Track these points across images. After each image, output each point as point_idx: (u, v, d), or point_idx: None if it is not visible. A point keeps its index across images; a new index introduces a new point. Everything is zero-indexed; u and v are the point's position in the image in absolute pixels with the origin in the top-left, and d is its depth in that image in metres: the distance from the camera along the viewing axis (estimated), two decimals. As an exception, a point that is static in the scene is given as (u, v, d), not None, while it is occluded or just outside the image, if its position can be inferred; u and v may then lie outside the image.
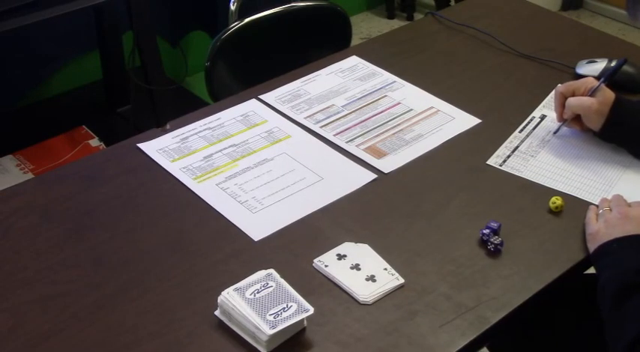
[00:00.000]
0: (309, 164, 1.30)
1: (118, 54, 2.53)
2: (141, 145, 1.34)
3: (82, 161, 1.36)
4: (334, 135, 1.38)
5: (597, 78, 1.38)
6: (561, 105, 1.36)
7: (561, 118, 1.37)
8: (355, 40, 2.06)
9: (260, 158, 1.32)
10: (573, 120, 1.36)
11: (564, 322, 1.33)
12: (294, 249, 1.13)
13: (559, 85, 1.39)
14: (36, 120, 2.55)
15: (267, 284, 1.01)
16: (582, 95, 1.33)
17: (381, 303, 1.05)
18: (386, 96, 1.49)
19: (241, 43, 1.77)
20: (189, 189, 1.25)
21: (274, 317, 0.96)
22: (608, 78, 1.37)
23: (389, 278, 1.07)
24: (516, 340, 1.39)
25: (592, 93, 1.32)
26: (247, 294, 0.99)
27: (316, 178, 1.27)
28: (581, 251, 1.14)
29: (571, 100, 1.33)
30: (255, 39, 1.81)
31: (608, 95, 1.31)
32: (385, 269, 1.09)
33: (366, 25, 3.62)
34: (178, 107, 1.67)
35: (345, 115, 1.43)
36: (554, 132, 1.39)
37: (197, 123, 1.40)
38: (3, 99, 2.55)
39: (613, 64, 1.47)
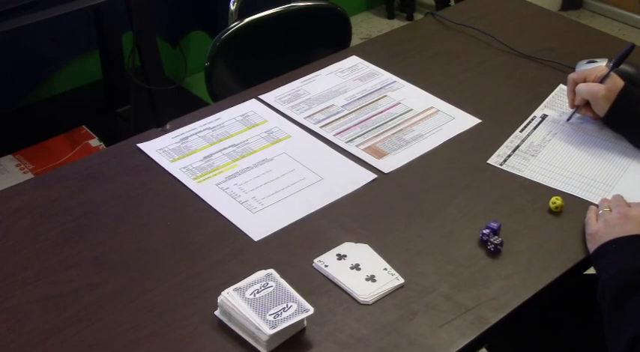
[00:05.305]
0: (309, 164, 1.30)
1: (117, 54, 2.53)
2: (141, 145, 1.34)
3: (82, 161, 1.35)
4: (334, 135, 1.38)
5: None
6: (572, 91, 1.39)
7: (573, 104, 1.40)
8: (355, 40, 2.06)
9: (260, 158, 1.32)
10: (585, 107, 1.39)
11: (564, 322, 1.33)
12: (294, 249, 1.13)
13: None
14: (36, 120, 2.55)
15: (267, 284, 1.01)
16: (593, 82, 1.35)
17: (381, 303, 1.05)
18: (386, 96, 1.49)
19: (241, 43, 1.77)
20: (190, 189, 1.24)
21: (274, 317, 0.96)
22: (617, 64, 1.39)
23: (389, 278, 1.07)
24: (516, 340, 1.39)
25: (602, 80, 1.34)
26: (247, 294, 0.99)
27: (316, 178, 1.27)
28: (581, 251, 1.14)
29: (581, 86, 1.37)
30: (255, 39, 1.81)
31: (618, 82, 1.34)
32: (385, 269, 1.09)
33: (366, 25, 3.62)
34: (178, 107, 1.67)
35: (345, 115, 1.43)
36: (567, 120, 1.42)
37: (197, 123, 1.40)
38: (3, 99, 2.55)
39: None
